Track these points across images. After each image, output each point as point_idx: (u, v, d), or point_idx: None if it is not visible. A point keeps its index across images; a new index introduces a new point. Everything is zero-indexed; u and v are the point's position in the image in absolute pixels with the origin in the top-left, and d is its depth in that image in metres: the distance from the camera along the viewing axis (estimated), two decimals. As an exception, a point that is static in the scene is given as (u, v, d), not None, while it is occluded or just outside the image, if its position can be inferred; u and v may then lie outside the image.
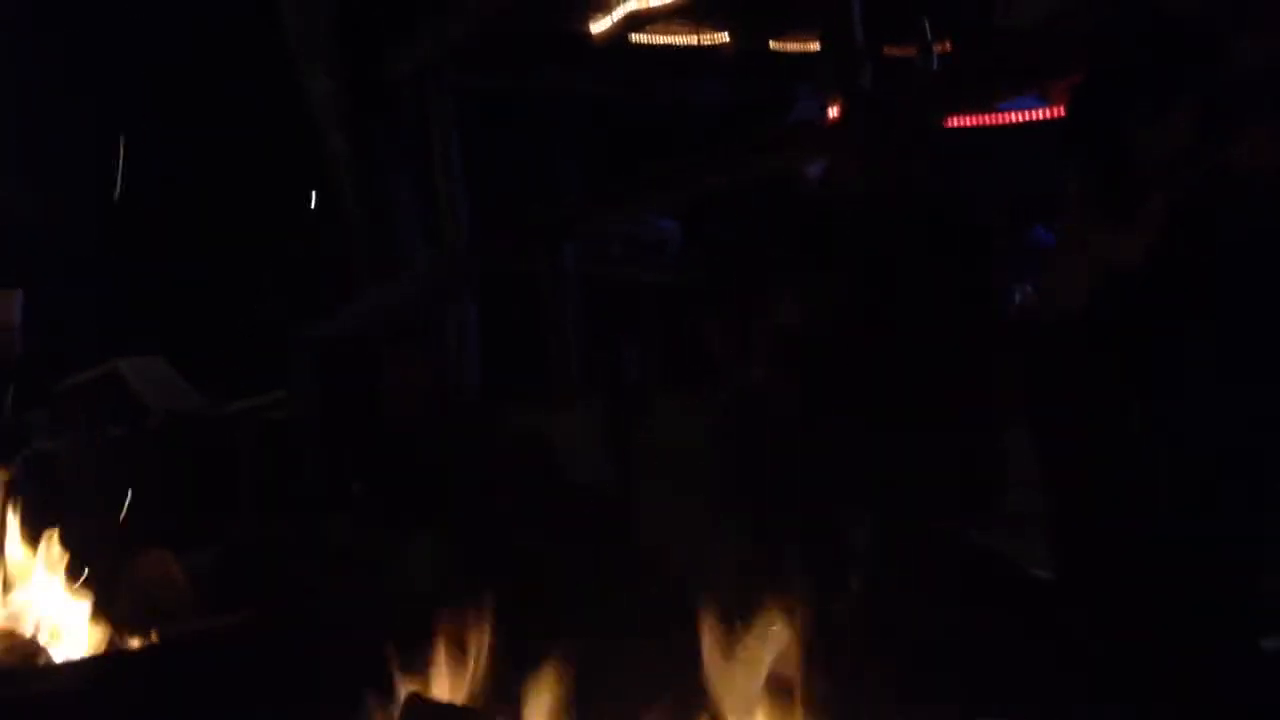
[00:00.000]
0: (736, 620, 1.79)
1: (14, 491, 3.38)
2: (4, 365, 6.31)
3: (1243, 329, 2.41)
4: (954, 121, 5.84)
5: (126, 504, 5.93)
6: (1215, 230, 2.46)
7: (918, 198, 3.42)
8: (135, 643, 3.10)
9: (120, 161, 7.16)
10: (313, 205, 8.06)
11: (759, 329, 3.43)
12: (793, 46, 7.27)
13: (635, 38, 7.06)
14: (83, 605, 3.13)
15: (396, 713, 1.97)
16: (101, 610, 3.14)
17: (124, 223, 9.26)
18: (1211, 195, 2.47)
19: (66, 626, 3.09)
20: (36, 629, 3.08)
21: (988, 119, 6.28)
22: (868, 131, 3.54)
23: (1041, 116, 6.05)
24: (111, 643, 3.10)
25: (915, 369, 3.15)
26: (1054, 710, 2.10)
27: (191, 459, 6.52)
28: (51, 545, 3.26)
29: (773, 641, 1.76)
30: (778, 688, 1.75)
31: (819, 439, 3.20)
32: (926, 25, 6.10)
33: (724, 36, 7.26)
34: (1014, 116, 6.29)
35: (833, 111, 4.68)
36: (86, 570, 3.20)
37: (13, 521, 3.31)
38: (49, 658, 3.01)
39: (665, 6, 6.80)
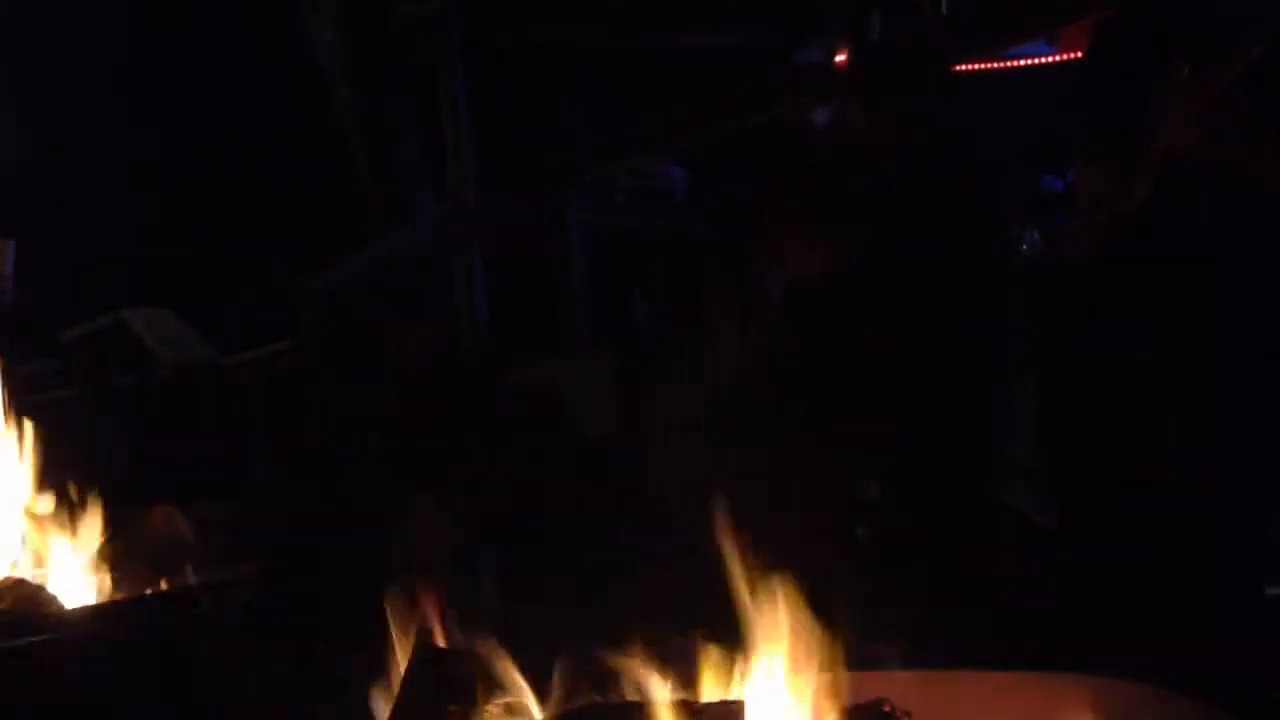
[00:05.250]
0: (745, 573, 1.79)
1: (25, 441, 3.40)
2: None
3: (1242, 284, 2.40)
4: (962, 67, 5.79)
5: (136, 454, 5.95)
6: (1200, 191, 2.45)
7: (923, 143, 3.40)
8: (144, 592, 3.12)
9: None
10: (320, 156, 8.05)
11: (766, 279, 3.42)
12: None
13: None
14: (92, 556, 3.16)
15: (406, 660, 1.98)
16: (110, 562, 3.16)
17: (128, 174, 9.25)
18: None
19: (76, 577, 3.12)
20: (46, 578, 3.11)
21: (995, 64, 6.22)
22: (873, 76, 3.51)
23: (1049, 61, 5.99)
24: (120, 594, 3.13)
25: (924, 317, 3.15)
26: (1058, 654, 2.11)
27: (201, 409, 6.54)
28: (61, 496, 3.27)
29: (781, 592, 1.76)
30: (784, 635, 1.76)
31: (828, 389, 3.20)
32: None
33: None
34: (1022, 62, 6.23)
35: (840, 56, 4.65)
36: (96, 521, 3.21)
37: (22, 471, 3.33)
38: (60, 606, 3.03)
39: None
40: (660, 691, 1.76)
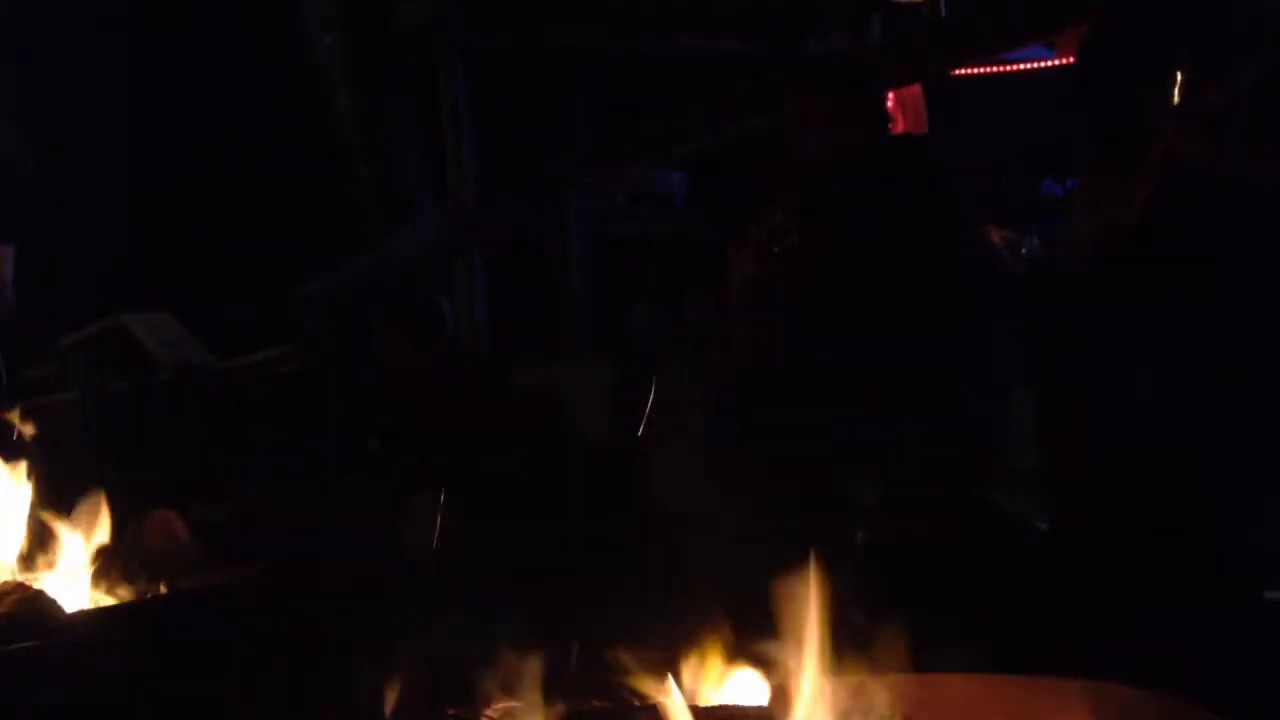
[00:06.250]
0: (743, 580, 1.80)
1: (22, 446, 3.40)
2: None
3: (1242, 289, 2.40)
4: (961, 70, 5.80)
5: (136, 458, 5.96)
6: (1200, 193, 2.45)
7: (876, 150, 3.40)
8: (144, 597, 3.12)
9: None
10: (320, 160, 8.05)
11: (754, 285, 3.42)
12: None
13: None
14: (91, 559, 3.16)
15: (403, 670, 1.98)
16: (110, 565, 3.17)
17: (127, 178, 9.26)
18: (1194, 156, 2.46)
19: (75, 580, 3.12)
20: (46, 582, 3.11)
21: (995, 68, 6.22)
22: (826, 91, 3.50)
23: (1049, 65, 5.99)
24: (119, 597, 3.13)
25: (905, 321, 3.16)
26: (1055, 658, 2.12)
27: (201, 412, 6.54)
28: (60, 501, 3.28)
29: (781, 598, 1.77)
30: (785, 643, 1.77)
31: (817, 396, 3.20)
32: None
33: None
34: (1021, 66, 6.23)
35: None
36: (95, 525, 3.22)
37: (20, 477, 3.33)
38: (60, 610, 3.03)
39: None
40: (666, 695, 1.76)
